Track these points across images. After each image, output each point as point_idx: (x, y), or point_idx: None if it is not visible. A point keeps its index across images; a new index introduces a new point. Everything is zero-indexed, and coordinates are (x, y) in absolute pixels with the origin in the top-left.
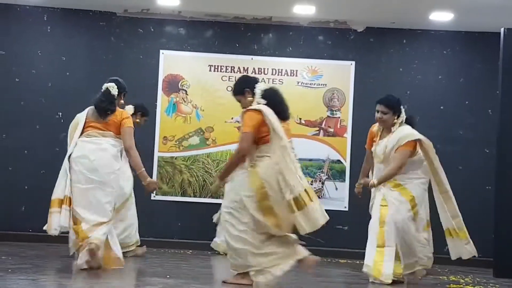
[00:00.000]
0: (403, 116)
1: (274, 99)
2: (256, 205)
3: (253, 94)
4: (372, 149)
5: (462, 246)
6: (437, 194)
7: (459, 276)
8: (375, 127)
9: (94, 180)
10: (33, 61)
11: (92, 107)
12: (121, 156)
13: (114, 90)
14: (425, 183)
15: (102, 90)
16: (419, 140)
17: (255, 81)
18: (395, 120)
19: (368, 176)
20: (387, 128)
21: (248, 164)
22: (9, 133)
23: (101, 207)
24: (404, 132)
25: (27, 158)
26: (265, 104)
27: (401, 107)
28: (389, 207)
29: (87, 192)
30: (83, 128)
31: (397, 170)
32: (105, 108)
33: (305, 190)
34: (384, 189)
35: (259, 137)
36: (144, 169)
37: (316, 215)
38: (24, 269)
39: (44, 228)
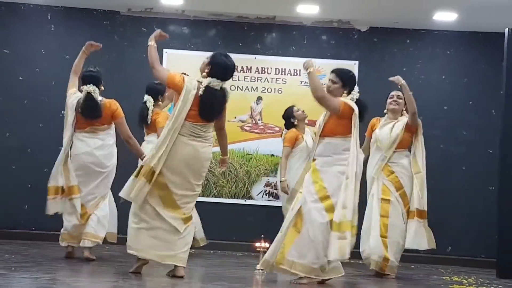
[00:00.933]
0: (354, 93)
1: (204, 97)
2: None
3: (209, 74)
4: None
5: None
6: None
7: (462, 277)
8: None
9: (100, 172)
10: (36, 60)
11: (80, 99)
12: None
13: (96, 94)
14: (343, 173)
15: (84, 96)
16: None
17: (225, 69)
18: (344, 94)
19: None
20: None
21: None
22: (13, 132)
23: (98, 198)
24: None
25: (30, 156)
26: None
27: (355, 84)
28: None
29: (89, 184)
30: (76, 122)
31: (318, 92)
32: (91, 116)
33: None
34: (307, 173)
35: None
36: (145, 154)
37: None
38: (27, 267)
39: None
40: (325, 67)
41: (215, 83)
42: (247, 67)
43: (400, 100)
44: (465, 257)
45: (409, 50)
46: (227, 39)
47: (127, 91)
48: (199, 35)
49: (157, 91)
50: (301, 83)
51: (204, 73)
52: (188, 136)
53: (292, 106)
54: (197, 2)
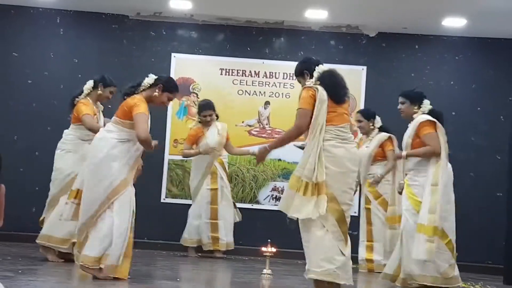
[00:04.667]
0: (425, 106)
1: (329, 80)
2: None
3: (311, 77)
4: None
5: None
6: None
7: (469, 283)
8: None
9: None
10: (45, 63)
11: None
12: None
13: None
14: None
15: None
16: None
17: (316, 63)
18: (415, 109)
19: None
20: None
21: None
22: (21, 135)
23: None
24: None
25: (38, 159)
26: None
27: (423, 98)
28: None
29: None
30: None
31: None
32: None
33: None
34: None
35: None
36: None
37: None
38: (34, 270)
39: None
40: None
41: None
42: (255, 71)
43: (361, 123)
44: (472, 263)
45: (418, 55)
46: (236, 44)
47: None
48: (207, 40)
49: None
50: None
51: (308, 81)
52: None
53: None
54: (205, 6)
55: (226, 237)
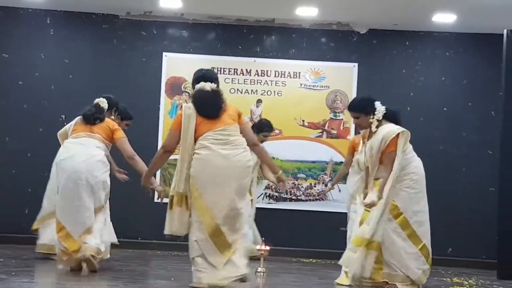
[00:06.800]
0: (379, 111)
1: (195, 97)
2: None
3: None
4: (356, 158)
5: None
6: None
7: (462, 278)
8: (357, 137)
9: (79, 183)
10: (36, 64)
11: (80, 117)
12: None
13: (104, 104)
14: (410, 187)
15: (93, 104)
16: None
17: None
18: (371, 119)
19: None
20: (368, 130)
21: None
22: (12, 136)
23: (86, 210)
24: (386, 130)
25: (30, 161)
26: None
27: (374, 104)
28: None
29: (73, 194)
30: (71, 133)
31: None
32: (93, 116)
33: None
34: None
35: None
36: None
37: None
38: (27, 271)
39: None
40: (324, 70)
41: (201, 85)
42: (246, 70)
43: (359, 120)
44: (465, 258)
45: (409, 52)
46: (227, 42)
47: (127, 94)
48: (198, 38)
49: (124, 114)
50: (300, 85)
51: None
52: (214, 145)
53: None
54: (196, 5)
55: None
